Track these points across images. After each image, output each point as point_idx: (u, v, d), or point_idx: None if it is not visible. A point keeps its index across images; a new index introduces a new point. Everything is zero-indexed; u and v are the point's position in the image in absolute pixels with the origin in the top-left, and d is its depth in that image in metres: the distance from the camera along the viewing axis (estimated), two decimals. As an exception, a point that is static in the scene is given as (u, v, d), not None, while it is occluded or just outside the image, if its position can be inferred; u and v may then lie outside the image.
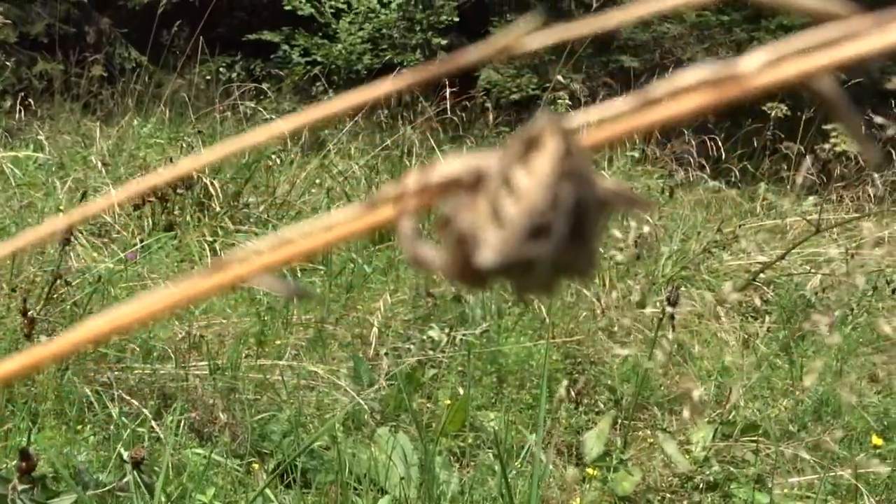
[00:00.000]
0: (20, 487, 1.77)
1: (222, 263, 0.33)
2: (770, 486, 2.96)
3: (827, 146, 5.36)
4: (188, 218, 4.75)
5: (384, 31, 8.67)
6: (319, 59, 8.40)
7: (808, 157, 5.32)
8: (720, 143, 7.02)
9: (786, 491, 2.98)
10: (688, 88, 0.30)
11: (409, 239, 0.32)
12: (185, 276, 0.35)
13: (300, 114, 0.35)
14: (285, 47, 8.91)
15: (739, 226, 5.16)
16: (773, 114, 6.42)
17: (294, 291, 0.36)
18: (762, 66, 0.29)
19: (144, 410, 2.98)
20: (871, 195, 5.94)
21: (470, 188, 0.32)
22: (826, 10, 0.29)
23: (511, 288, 0.32)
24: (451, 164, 0.32)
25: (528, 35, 0.32)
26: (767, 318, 4.29)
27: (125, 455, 2.28)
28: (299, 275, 4.34)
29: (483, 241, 0.31)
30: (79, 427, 2.89)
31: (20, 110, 6.64)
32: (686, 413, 2.92)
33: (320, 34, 8.71)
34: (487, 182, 0.32)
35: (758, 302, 4.31)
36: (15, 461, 1.88)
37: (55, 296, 3.39)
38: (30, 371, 0.38)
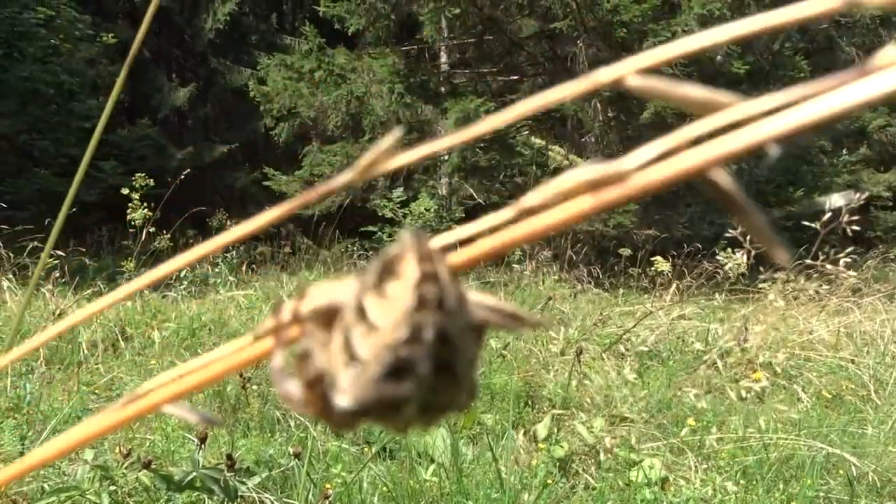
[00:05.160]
0: (228, 474, 1.62)
1: (133, 396, 0.19)
2: (637, 448, 2.79)
3: (652, 268, 5.22)
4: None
5: (427, 223, 8.59)
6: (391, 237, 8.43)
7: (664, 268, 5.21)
8: (599, 270, 6.91)
9: (644, 452, 2.81)
10: (567, 193, 0.14)
11: (277, 374, 0.17)
12: (99, 411, 0.20)
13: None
14: (379, 233, 8.88)
15: (610, 312, 5.04)
16: (624, 254, 6.31)
17: (202, 418, 0.21)
18: (645, 162, 0.14)
19: (307, 423, 2.85)
20: (679, 292, 5.75)
21: (326, 323, 0.16)
22: (712, 99, 0.13)
23: (382, 428, 0.16)
24: (319, 294, 0.17)
25: (391, 154, 0.16)
26: (629, 358, 4.10)
27: (291, 450, 2.15)
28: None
29: (336, 383, 0.15)
30: (271, 434, 2.74)
31: (248, 271, 6.65)
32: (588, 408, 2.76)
33: (396, 226, 8.66)
34: (341, 315, 0.16)
35: (622, 350, 4.18)
36: (225, 459, 1.72)
37: (260, 364, 3.24)
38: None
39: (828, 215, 3.21)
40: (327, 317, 0.15)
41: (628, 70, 0.13)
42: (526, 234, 0.15)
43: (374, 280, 0.15)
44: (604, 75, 0.13)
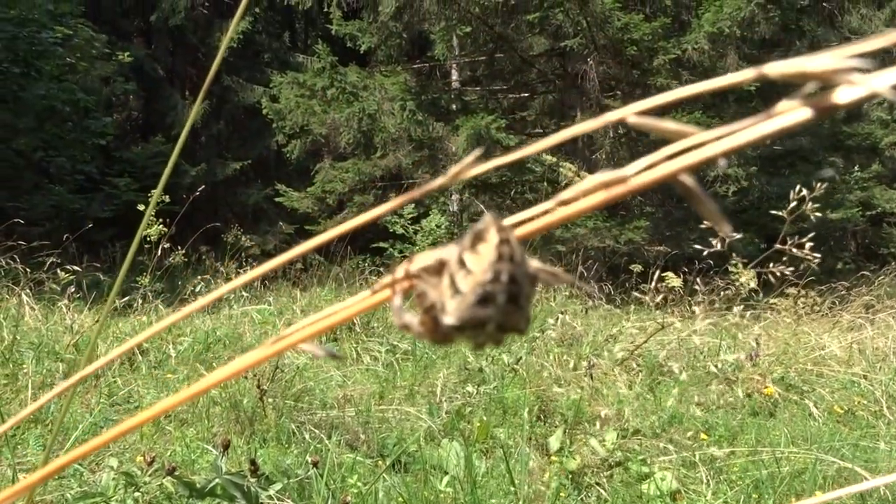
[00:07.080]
0: (251, 479, 1.68)
1: (279, 337, 0.26)
2: (648, 462, 2.82)
3: (663, 284, 5.25)
4: (344, 335, 4.69)
5: (438, 240, 8.69)
6: (407, 254, 8.47)
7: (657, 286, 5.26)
8: (610, 287, 6.95)
9: (657, 465, 2.84)
10: (588, 190, 0.22)
11: (397, 311, 0.26)
12: (258, 345, 0.27)
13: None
14: (390, 249, 8.96)
15: (621, 328, 5.07)
16: (635, 270, 6.34)
17: (328, 353, 0.29)
18: (639, 170, 0.22)
19: (322, 435, 2.90)
20: (690, 309, 5.78)
21: (436, 272, 0.25)
22: (681, 130, 0.21)
23: (468, 343, 0.25)
24: (425, 257, 0.26)
25: (471, 166, 0.24)
26: (641, 373, 4.14)
27: (309, 460, 2.20)
28: (401, 360, 4.25)
29: (445, 308, 0.24)
30: (287, 446, 2.80)
31: (261, 287, 6.70)
32: (600, 422, 2.80)
33: (407, 242, 8.75)
34: (448, 266, 0.25)
35: (634, 365, 4.21)
36: (247, 466, 1.78)
37: (276, 377, 3.31)
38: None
39: (793, 203, 3.41)
40: (436, 268, 0.24)
41: (629, 112, 0.21)
42: (562, 217, 0.23)
43: (469, 243, 0.24)
44: (612, 115, 0.21)
